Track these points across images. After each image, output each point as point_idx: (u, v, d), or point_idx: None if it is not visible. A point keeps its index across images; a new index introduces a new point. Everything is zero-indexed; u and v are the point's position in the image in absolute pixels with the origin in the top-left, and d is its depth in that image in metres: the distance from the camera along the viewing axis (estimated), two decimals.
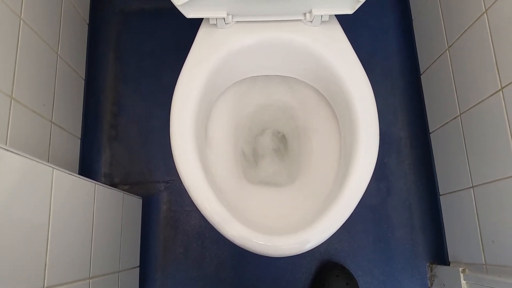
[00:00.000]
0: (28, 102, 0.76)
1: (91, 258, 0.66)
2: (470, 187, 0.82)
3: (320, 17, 0.71)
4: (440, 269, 0.92)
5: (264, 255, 0.61)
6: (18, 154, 0.48)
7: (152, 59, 1.08)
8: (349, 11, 0.71)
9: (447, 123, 0.91)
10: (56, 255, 0.55)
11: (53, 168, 0.55)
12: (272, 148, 0.87)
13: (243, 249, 0.62)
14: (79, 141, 1.00)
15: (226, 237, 0.62)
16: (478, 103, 0.78)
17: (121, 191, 0.83)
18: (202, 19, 0.75)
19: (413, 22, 1.08)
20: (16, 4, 0.73)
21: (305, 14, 0.72)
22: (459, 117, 0.85)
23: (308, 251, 0.95)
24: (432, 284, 0.95)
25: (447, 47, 0.89)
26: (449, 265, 0.92)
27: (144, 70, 1.07)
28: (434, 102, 0.98)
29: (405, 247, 0.97)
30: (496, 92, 0.72)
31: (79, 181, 0.63)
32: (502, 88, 0.70)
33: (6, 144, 0.67)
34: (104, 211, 0.73)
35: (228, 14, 0.71)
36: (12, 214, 0.47)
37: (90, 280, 0.65)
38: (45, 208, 0.53)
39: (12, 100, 0.70)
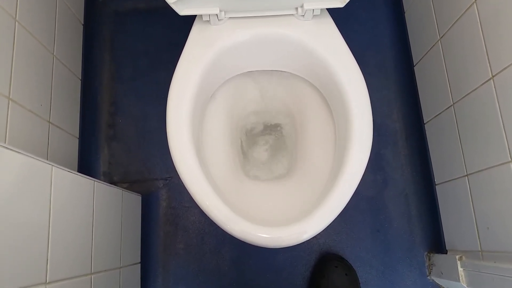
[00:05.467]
0: (25, 103, 0.76)
1: (92, 254, 0.67)
2: (465, 176, 0.83)
3: (312, 11, 0.72)
4: (437, 258, 0.94)
5: (263, 246, 0.62)
6: (17, 152, 0.49)
7: (147, 58, 1.09)
8: (340, 4, 0.72)
9: (440, 113, 0.92)
10: (57, 251, 0.56)
11: (52, 165, 0.56)
12: (268, 141, 0.88)
13: (243, 242, 0.63)
14: (77, 140, 1.01)
15: (226, 231, 0.62)
16: (470, 92, 0.79)
17: (120, 188, 0.84)
18: (195, 16, 0.75)
19: (405, 14, 1.09)
20: (11, 6, 0.73)
21: (296, 8, 0.73)
22: (452, 106, 0.86)
23: (307, 243, 0.98)
24: (430, 273, 0.96)
25: (439, 38, 0.90)
26: (446, 253, 0.93)
27: (139, 69, 1.08)
28: (428, 93, 0.99)
29: (402, 237, 0.98)
30: (487, 81, 0.73)
31: (78, 178, 0.64)
32: (493, 76, 0.71)
33: None
34: (104, 208, 0.73)
35: (220, 11, 0.71)
36: (13, 211, 0.47)
37: (92, 276, 0.66)
38: (45, 205, 0.54)
39: (10, 101, 0.71)
